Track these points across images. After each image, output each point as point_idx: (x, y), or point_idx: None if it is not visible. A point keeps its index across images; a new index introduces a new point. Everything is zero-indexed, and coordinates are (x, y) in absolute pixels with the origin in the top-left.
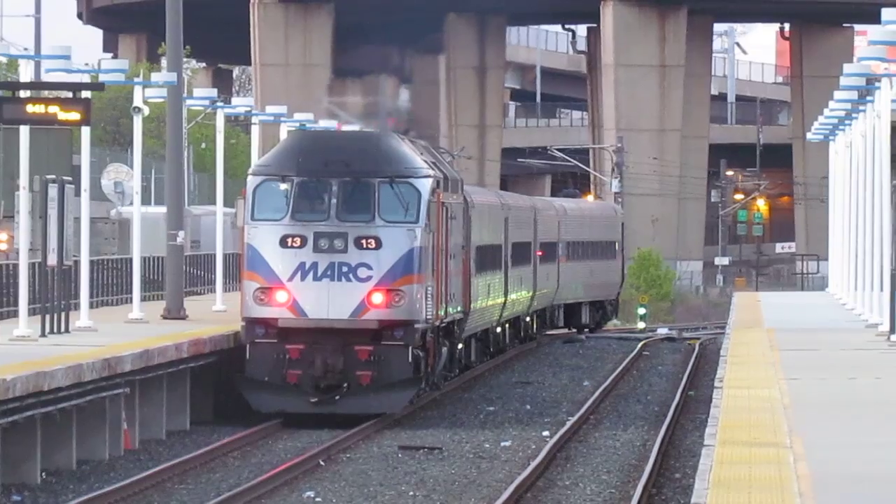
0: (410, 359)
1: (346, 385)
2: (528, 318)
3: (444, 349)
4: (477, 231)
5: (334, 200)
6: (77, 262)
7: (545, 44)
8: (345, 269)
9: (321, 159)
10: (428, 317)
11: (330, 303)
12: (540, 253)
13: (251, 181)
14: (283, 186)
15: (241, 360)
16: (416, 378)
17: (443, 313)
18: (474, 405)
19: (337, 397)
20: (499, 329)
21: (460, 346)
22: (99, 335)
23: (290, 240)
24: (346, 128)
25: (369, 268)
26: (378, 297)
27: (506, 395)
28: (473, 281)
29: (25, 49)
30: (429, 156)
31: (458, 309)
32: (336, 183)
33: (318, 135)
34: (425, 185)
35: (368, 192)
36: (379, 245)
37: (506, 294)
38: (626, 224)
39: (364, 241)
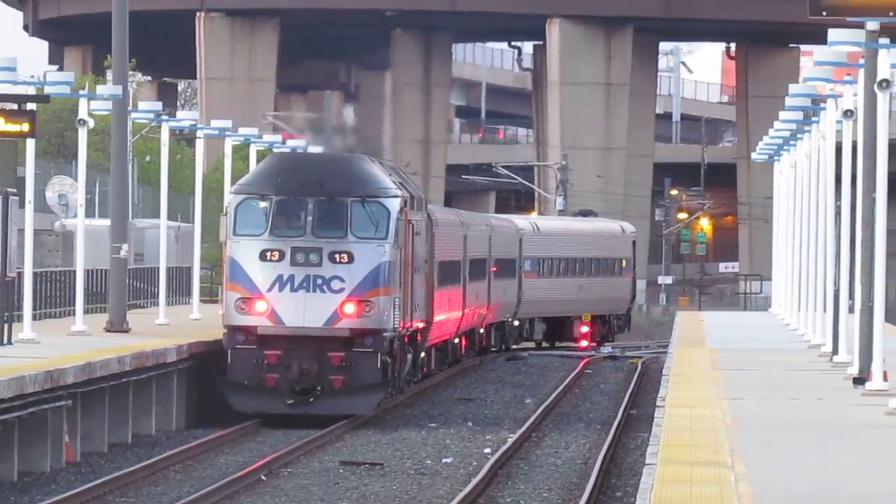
0: (379, 364)
1: (319, 388)
2: (482, 331)
3: (409, 356)
4: (439, 247)
5: (310, 218)
6: (20, 274)
7: (491, 61)
8: (319, 281)
9: (298, 180)
10: (395, 326)
11: (305, 312)
12: (494, 269)
13: (233, 199)
14: (263, 204)
15: (224, 365)
16: (384, 382)
17: (408, 323)
18: (416, 421)
19: (311, 399)
20: (457, 340)
21: (423, 354)
22: (41, 347)
23: (269, 254)
24: (290, 142)
25: (342, 280)
26: (350, 308)
27: (448, 411)
28: (436, 294)
29: None
30: (397, 176)
31: (422, 319)
32: (312, 202)
33: (296, 157)
34: (394, 205)
35: (341, 210)
36: (351, 259)
37: (464, 307)
38: None
39: (337, 256)
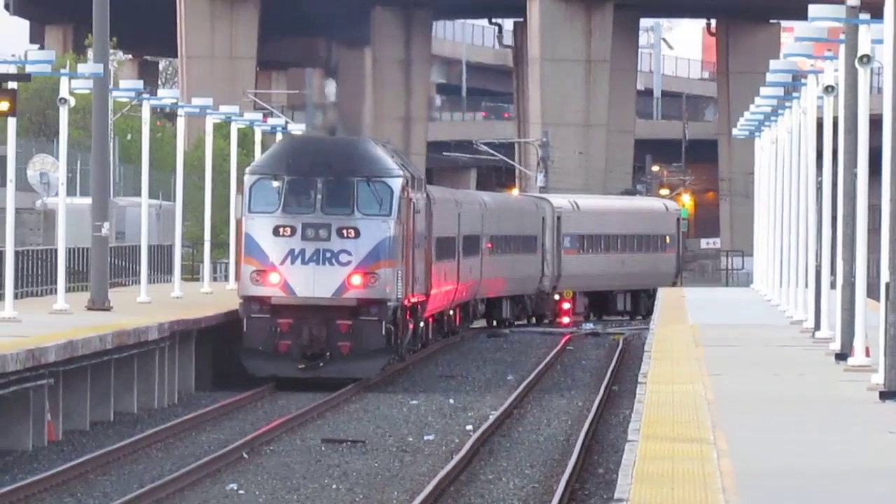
0: (383, 332)
1: (328, 354)
2: (474, 304)
3: (410, 326)
4: (437, 224)
5: (319, 196)
6: (2, 253)
7: (471, 38)
8: (328, 254)
9: (308, 161)
10: (398, 296)
11: (315, 283)
12: (489, 245)
13: (248, 179)
14: (276, 184)
15: (239, 332)
16: (388, 348)
17: (410, 294)
18: (398, 398)
19: (321, 364)
20: (451, 311)
21: (422, 324)
22: (23, 326)
23: (281, 229)
24: (271, 120)
25: (349, 254)
26: (356, 279)
27: (429, 388)
28: (433, 268)
29: None
30: (398, 158)
31: (422, 291)
32: (321, 181)
33: (306, 139)
34: (397, 184)
35: (349, 189)
36: (357, 234)
37: (458, 281)
38: None
39: (345, 231)
